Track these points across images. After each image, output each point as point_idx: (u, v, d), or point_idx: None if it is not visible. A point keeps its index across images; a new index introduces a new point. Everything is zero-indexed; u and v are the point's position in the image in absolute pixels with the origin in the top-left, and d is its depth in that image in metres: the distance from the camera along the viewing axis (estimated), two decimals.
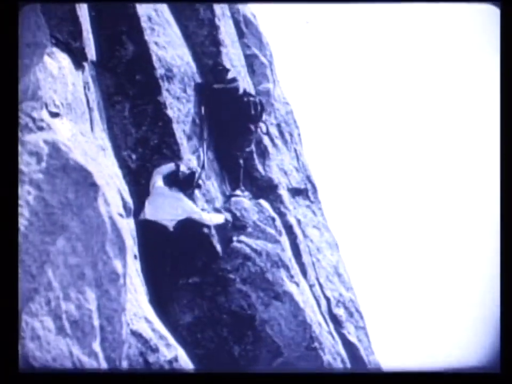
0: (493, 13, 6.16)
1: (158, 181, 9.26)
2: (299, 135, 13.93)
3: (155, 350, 5.86)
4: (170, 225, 9.06)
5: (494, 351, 5.70)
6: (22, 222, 4.79)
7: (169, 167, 9.40)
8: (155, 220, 9.00)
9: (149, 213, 9.03)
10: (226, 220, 9.86)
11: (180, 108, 10.15)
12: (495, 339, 5.72)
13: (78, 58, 7.41)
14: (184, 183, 9.36)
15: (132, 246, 7.06)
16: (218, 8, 11.99)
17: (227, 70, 11.27)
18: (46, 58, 6.42)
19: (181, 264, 9.33)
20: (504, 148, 5.93)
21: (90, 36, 7.86)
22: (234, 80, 11.28)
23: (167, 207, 9.11)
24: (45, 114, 5.83)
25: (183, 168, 9.43)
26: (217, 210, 9.99)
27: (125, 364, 5.39)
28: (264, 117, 11.82)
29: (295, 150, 13.41)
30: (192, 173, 9.50)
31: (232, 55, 12.08)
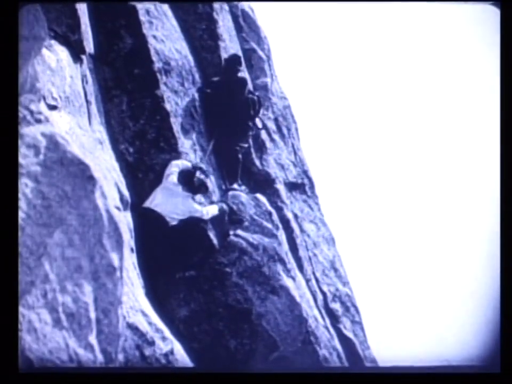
0: (493, 13, 6.15)
1: (173, 176, 9.34)
2: (296, 129, 13.96)
3: (151, 343, 5.86)
4: (172, 222, 9.09)
5: (494, 351, 5.70)
6: (20, 215, 4.79)
7: (185, 164, 9.44)
8: (160, 212, 9.03)
9: (157, 203, 9.08)
10: (221, 210, 9.85)
11: (178, 101, 10.15)
12: (495, 339, 5.72)
13: (76, 51, 7.40)
14: (197, 188, 9.41)
15: (128, 239, 7.06)
16: (217, 3, 11.99)
17: (240, 70, 11.28)
18: (44, 51, 6.42)
19: (178, 257, 9.35)
20: (504, 148, 5.92)
21: (89, 29, 7.87)
22: (243, 79, 11.30)
23: (176, 205, 9.16)
24: (43, 107, 5.82)
25: (199, 175, 9.48)
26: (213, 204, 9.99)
27: (121, 357, 5.40)
28: (262, 111, 11.85)
29: (292, 145, 13.43)
30: (205, 181, 9.56)
31: (230, 49, 12.08)
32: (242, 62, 11.55)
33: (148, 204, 9.08)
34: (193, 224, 9.35)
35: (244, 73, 11.72)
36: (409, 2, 9.70)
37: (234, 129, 10.96)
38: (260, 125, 11.62)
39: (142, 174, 9.43)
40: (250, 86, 12.20)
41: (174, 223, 9.11)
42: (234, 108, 10.92)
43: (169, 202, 9.11)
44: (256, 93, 11.75)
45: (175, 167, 9.37)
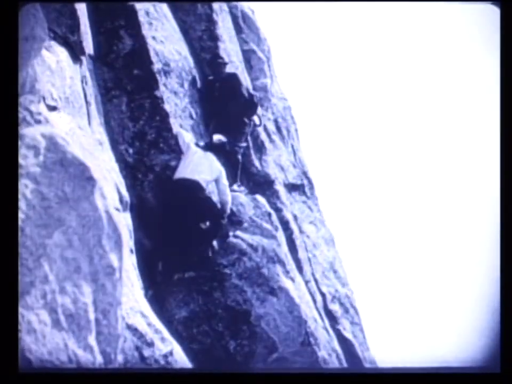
0: (493, 13, 6.16)
1: (192, 145, 9.69)
2: (296, 130, 13.95)
3: (150, 344, 5.87)
4: (207, 188, 9.42)
5: (494, 351, 5.70)
6: (19, 216, 4.78)
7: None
8: (192, 178, 9.28)
9: (186, 171, 9.34)
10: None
11: (177, 102, 10.15)
12: (495, 339, 5.72)
13: (76, 52, 7.40)
14: (218, 147, 9.85)
15: (128, 240, 7.07)
16: (216, 3, 11.99)
17: (225, 64, 11.29)
18: (44, 51, 6.42)
19: (178, 258, 9.34)
20: (504, 148, 5.93)
21: (88, 30, 7.86)
22: (233, 74, 11.30)
23: (204, 166, 9.47)
24: (42, 108, 5.82)
25: (217, 137, 9.74)
26: None
27: (120, 358, 5.39)
28: (261, 111, 11.83)
29: (292, 146, 13.42)
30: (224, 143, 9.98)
31: (230, 50, 12.08)
32: (222, 55, 11.53)
33: (179, 175, 9.34)
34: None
35: (231, 68, 11.71)
36: (410, 2, 9.70)
37: (231, 128, 10.94)
38: (257, 121, 11.61)
39: (141, 175, 9.44)
40: (246, 84, 12.18)
41: (208, 191, 9.45)
42: (230, 106, 10.92)
43: (196, 166, 9.41)
44: (255, 93, 11.73)
45: (186, 137, 9.82)
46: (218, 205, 9.61)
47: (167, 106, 9.84)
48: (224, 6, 12.71)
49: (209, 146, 9.77)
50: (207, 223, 9.48)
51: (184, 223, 9.26)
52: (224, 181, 9.66)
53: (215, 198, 9.66)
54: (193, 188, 9.20)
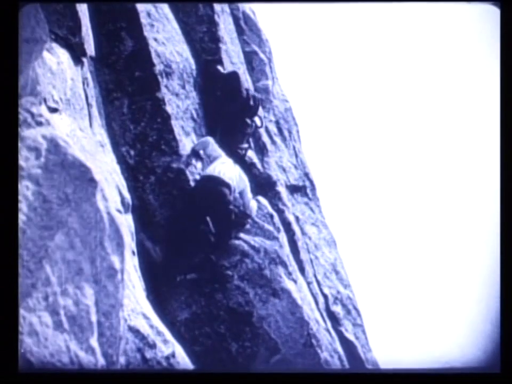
0: (493, 13, 6.15)
1: (223, 154, 9.85)
2: (298, 132, 13.96)
3: (152, 346, 5.86)
4: (231, 189, 9.46)
5: (494, 351, 5.69)
6: (20, 217, 4.78)
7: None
8: (220, 177, 9.38)
9: (214, 171, 9.46)
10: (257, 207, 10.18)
11: (179, 104, 10.16)
12: (495, 339, 5.71)
13: (77, 53, 7.40)
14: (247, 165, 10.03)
15: (130, 242, 7.06)
16: (218, 5, 12.01)
17: (221, 61, 11.30)
18: (45, 53, 6.41)
19: (180, 260, 9.34)
20: (504, 148, 5.92)
21: (90, 32, 7.86)
22: (233, 72, 11.31)
23: (233, 174, 9.60)
24: (43, 110, 5.81)
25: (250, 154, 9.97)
26: None
27: (122, 360, 5.39)
28: (263, 113, 11.84)
29: (294, 147, 13.43)
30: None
31: (231, 52, 12.09)
32: (222, 56, 11.55)
33: (208, 172, 9.50)
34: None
35: (231, 67, 11.73)
36: (410, 2, 9.71)
37: (234, 130, 10.95)
38: (259, 123, 11.61)
39: (143, 177, 9.44)
40: (250, 86, 12.19)
41: (231, 197, 9.46)
42: (231, 107, 10.93)
43: (229, 173, 9.54)
44: (256, 94, 11.73)
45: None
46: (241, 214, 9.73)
47: (168, 108, 9.84)
48: (226, 7, 12.73)
49: (239, 159, 9.91)
50: (219, 229, 9.51)
51: (194, 226, 9.27)
52: (249, 195, 9.76)
53: (235, 207, 9.67)
54: (219, 185, 9.26)
